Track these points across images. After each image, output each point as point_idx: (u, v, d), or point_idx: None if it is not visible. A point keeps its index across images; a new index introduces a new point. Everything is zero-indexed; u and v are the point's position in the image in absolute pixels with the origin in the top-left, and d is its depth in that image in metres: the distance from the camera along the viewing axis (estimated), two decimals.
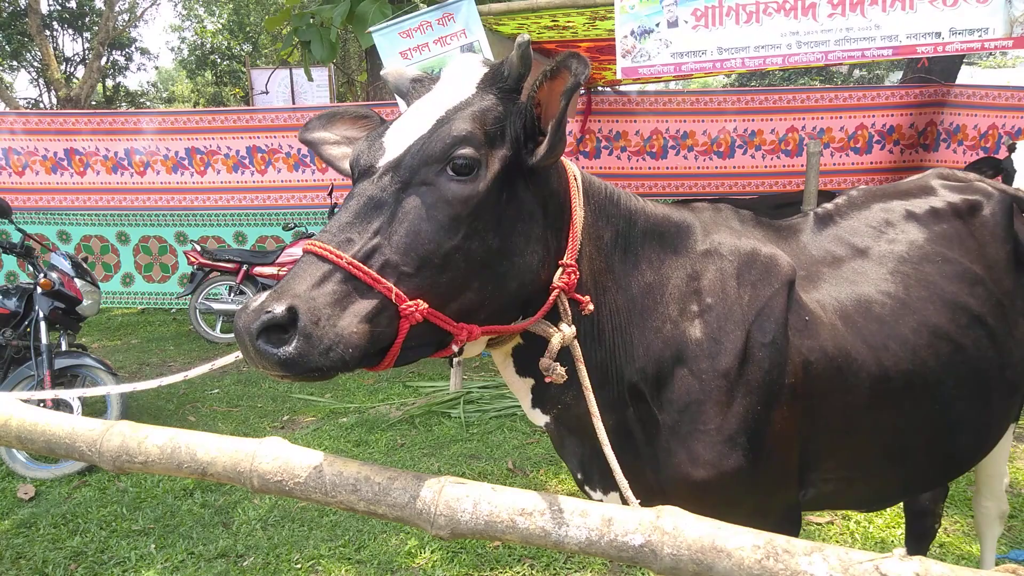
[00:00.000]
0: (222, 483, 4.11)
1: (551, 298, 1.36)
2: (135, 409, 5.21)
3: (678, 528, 1.07)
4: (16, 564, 3.36)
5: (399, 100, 1.48)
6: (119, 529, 3.68)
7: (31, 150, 7.96)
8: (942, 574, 0.93)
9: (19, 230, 5.02)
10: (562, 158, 1.48)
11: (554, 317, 1.40)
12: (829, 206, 1.91)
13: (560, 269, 1.37)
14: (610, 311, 1.50)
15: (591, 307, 1.42)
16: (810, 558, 1.01)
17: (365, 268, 1.16)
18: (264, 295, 1.14)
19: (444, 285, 1.23)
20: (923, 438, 1.78)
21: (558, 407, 1.52)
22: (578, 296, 1.40)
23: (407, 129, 1.29)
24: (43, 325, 4.55)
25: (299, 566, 3.28)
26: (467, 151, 1.23)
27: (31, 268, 4.90)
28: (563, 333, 1.37)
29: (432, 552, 3.33)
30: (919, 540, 2.62)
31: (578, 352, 1.40)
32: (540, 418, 1.57)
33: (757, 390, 1.48)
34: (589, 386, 1.40)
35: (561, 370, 1.36)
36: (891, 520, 3.40)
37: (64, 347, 4.81)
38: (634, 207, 1.55)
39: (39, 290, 4.65)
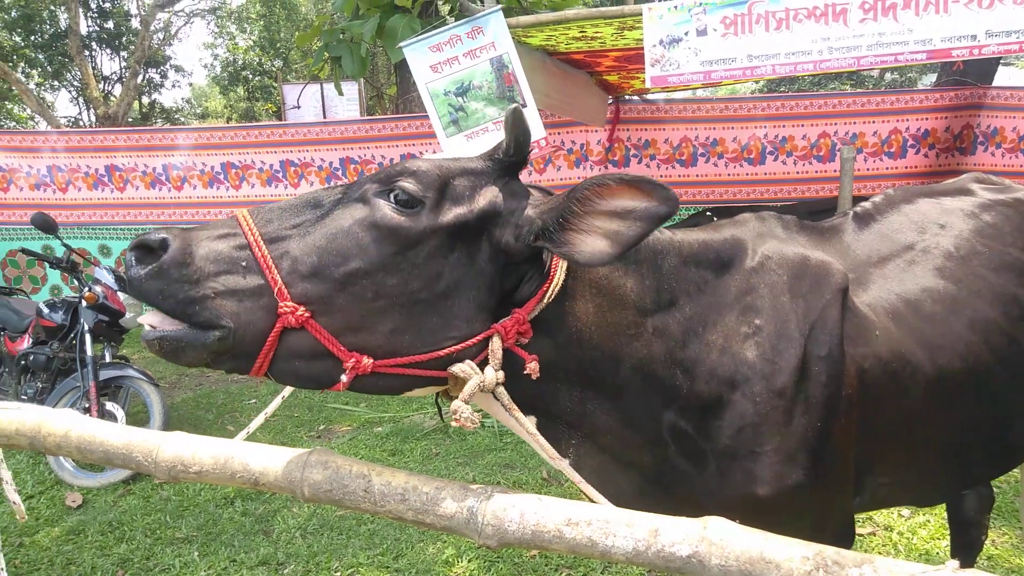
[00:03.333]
0: (261, 492, 4.19)
1: (478, 337, 1.24)
2: (175, 420, 5.31)
3: (725, 539, 1.08)
4: (67, 570, 3.45)
5: None
6: (163, 537, 3.76)
7: (74, 167, 8.19)
8: None
9: (64, 245, 5.17)
10: None
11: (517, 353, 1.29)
12: (867, 205, 1.86)
13: (511, 315, 1.26)
14: (643, 358, 1.40)
15: (534, 366, 1.28)
16: (860, 570, 1.01)
17: (264, 248, 1.15)
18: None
19: (341, 306, 1.16)
20: (978, 433, 1.75)
21: (572, 443, 1.43)
22: (519, 350, 1.28)
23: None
24: (88, 337, 4.68)
25: (339, 574, 3.32)
26: (411, 185, 1.20)
27: (76, 282, 5.04)
28: (482, 377, 1.23)
29: (469, 561, 3.34)
30: (966, 552, 2.56)
31: (507, 399, 1.27)
32: (559, 462, 1.43)
33: (815, 406, 1.43)
34: (535, 432, 1.32)
35: (471, 415, 1.21)
36: (935, 532, 3.33)
37: (108, 359, 4.94)
38: (660, 246, 1.46)
39: (84, 303, 4.79)
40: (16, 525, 3.87)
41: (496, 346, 1.26)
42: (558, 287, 1.31)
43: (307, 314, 1.14)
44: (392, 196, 1.20)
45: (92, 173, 8.22)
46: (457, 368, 1.25)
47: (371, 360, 1.19)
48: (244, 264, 1.14)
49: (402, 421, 5.40)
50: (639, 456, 1.47)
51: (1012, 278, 1.76)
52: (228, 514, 4.00)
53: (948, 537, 2.73)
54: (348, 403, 5.89)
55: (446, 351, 1.23)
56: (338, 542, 3.61)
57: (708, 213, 6.46)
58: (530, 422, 1.41)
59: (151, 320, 1.16)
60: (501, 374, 1.27)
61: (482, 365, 1.26)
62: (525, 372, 1.29)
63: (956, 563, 0.98)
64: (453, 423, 1.25)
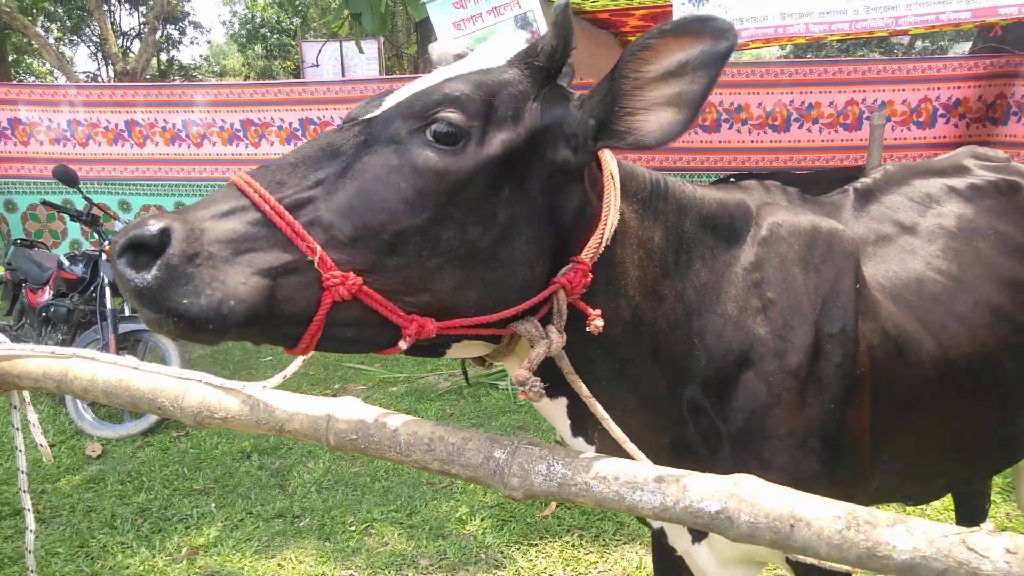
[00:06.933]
0: (277, 447, 4.24)
1: (544, 293, 1.12)
2: None
3: (755, 496, 1.06)
4: (87, 517, 3.53)
5: None
6: (181, 488, 3.83)
7: (93, 122, 8.17)
8: None
9: (85, 198, 5.17)
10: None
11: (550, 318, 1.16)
12: (867, 181, 1.79)
13: (570, 265, 1.14)
14: (668, 324, 1.31)
15: (599, 323, 1.14)
16: (893, 530, 0.99)
17: (288, 216, 0.96)
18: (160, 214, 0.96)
19: (393, 270, 1.01)
20: (981, 424, 1.71)
21: (599, 428, 1.29)
22: (583, 306, 1.15)
23: (410, 89, 1.10)
24: (108, 291, 4.72)
25: (353, 528, 3.37)
26: (453, 115, 1.02)
27: (96, 236, 5.07)
28: (550, 340, 1.11)
29: (482, 520, 3.38)
30: (972, 522, 2.55)
31: (567, 365, 1.18)
32: (586, 448, 1.35)
33: (829, 386, 1.38)
34: (605, 415, 1.22)
35: (539, 387, 1.10)
36: (942, 508, 3.32)
37: (127, 312, 4.98)
38: (685, 199, 1.36)
39: (104, 257, 4.82)
40: (38, 472, 3.95)
41: (562, 304, 1.14)
42: (614, 227, 1.18)
43: (359, 281, 0.98)
44: (431, 132, 1.02)
45: (112, 128, 8.21)
46: (522, 327, 1.13)
47: (435, 323, 1.05)
48: (270, 239, 0.96)
49: (416, 382, 5.43)
50: (660, 438, 1.40)
51: (1019, 263, 1.71)
52: (244, 468, 4.06)
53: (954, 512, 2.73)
54: (363, 363, 5.93)
55: (512, 311, 1.11)
56: (352, 498, 3.66)
57: (732, 180, 6.37)
58: (563, 400, 1.34)
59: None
60: (565, 337, 1.15)
61: (543, 323, 1.15)
62: (587, 330, 1.15)
63: (992, 524, 0.96)
64: (520, 398, 1.14)
